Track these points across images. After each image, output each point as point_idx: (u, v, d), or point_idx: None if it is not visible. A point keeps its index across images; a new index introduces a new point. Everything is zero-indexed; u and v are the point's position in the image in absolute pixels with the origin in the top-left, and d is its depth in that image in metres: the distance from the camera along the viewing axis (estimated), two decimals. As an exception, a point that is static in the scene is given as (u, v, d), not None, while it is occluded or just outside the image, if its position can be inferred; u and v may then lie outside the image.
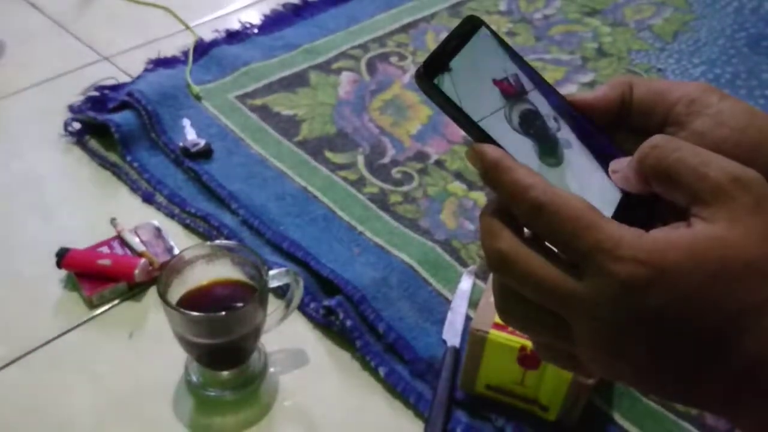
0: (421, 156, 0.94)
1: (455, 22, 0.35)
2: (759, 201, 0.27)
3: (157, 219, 0.84)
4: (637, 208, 0.32)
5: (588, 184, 0.32)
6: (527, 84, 0.34)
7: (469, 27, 0.34)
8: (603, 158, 0.34)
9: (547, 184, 0.30)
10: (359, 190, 0.88)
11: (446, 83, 0.33)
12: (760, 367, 0.26)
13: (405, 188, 0.89)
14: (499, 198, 0.31)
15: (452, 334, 0.70)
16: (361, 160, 0.93)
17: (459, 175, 0.92)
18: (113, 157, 0.92)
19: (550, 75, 1.08)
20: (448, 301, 0.74)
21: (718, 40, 1.15)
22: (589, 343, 0.29)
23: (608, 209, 0.32)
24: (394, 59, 1.12)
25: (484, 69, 0.34)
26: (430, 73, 0.32)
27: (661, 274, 0.26)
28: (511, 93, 0.34)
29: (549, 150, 0.33)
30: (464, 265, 0.78)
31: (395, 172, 0.92)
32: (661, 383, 0.29)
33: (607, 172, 0.33)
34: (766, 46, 1.14)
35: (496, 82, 0.34)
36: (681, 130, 0.33)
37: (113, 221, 0.81)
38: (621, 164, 0.32)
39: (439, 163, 0.93)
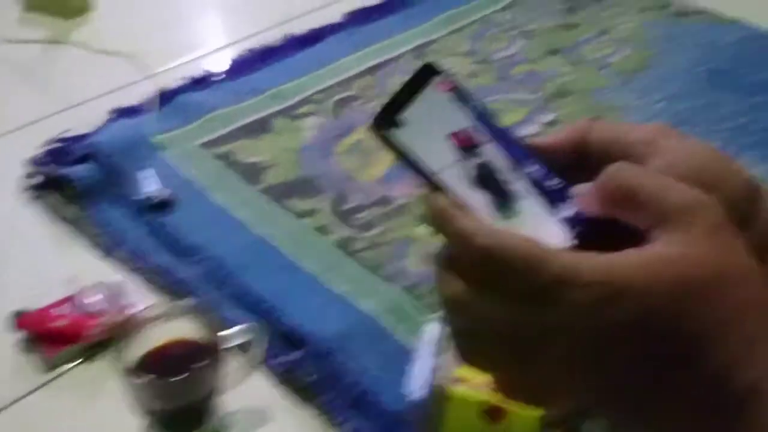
0: (386, 200, 0.94)
1: (419, 64, 0.35)
2: (716, 225, 0.28)
3: (118, 275, 0.82)
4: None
5: (543, 234, 0.32)
6: (484, 134, 0.34)
7: (425, 75, 0.34)
8: (559, 204, 0.33)
9: (494, 229, 0.30)
10: (324, 237, 0.88)
11: (400, 135, 0.32)
12: (729, 378, 0.27)
13: (370, 233, 0.89)
14: (450, 246, 0.32)
15: (416, 387, 0.69)
16: (326, 205, 0.93)
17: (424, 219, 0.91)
18: (74, 211, 0.91)
19: (513, 115, 1.09)
20: (414, 352, 0.73)
21: (677, 75, 1.17)
22: (564, 361, 0.29)
23: None
24: (359, 103, 1.12)
25: (439, 120, 0.33)
26: (383, 126, 0.32)
27: (628, 289, 0.27)
28: (467, 145, 0.33)
29: (504, 203, 0.33)
30: (430, 312, 0.78)
31: (360, 218, 0.91)
32: (633, 401, 0.29)
33: (562, 218, 0.33)
34: (724, 81, 1.16)
35: (452, 134, 0.33)
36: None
37: (72, 279, 0.79)
38: (585, 187, 0.33)
39: (404, 207, 0.93)
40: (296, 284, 0.81)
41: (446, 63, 1.21)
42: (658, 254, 0.28)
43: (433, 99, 0.34)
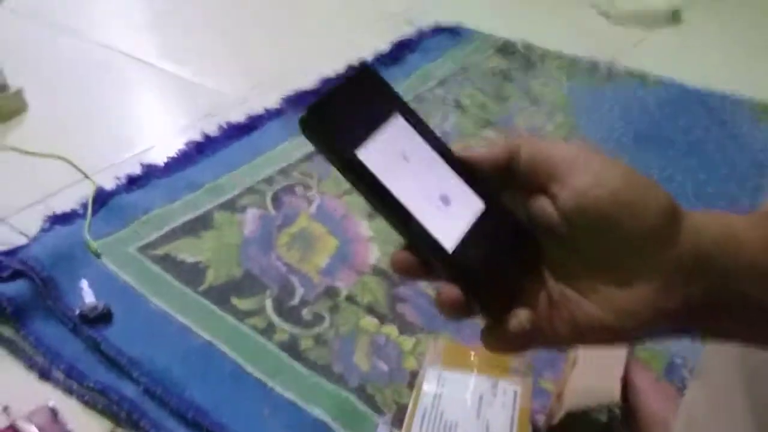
0: (331, 292, 0.93)
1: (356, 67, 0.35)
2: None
3: (55, 396, 0.79)
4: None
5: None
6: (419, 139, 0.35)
7: (361, 77, 0.35)
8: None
9: None
10: (269, 338, 0.86)
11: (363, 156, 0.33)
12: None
13: (316, 330, 0.87)
14: None
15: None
16: (269, 304, 0.91)
17: (371, 309, 0.91)
18: (7, 331, 0.87)
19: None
20: (365, 457, 0.71)
21: (606, 140, 1.21)
22: None
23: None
24: (299, 190, 1.12)
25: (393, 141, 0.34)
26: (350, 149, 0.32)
27: None
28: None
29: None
30: (380, 412, 0.76)
31: (305, 314, 0.90)
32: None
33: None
34: (652, 143, 1.20)
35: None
36: (563, 188, 0.34)
37: (6, 410, 0.76)
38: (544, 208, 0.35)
39: (349, 298, 0.92)
40: (242, 393, 0.78)
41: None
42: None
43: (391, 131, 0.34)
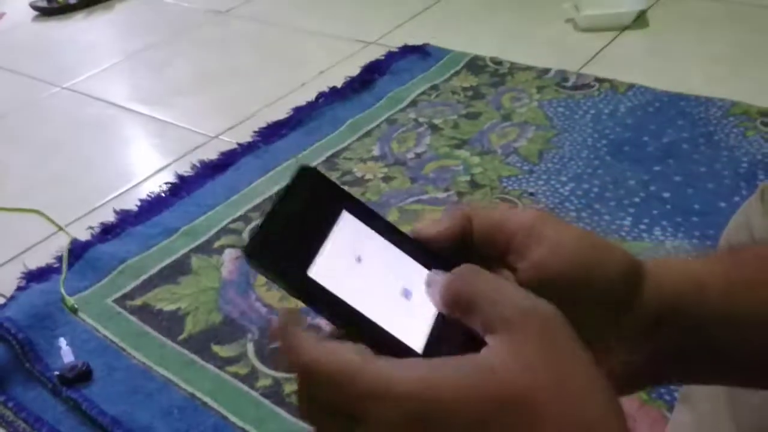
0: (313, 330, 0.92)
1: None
2: (550, 335, 0.28)
3: (38, 464, 0.78)
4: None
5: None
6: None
7: (303, 177, 0.33)
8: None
9: (318, 345, 0.29)
10: (251, 385, 0.85)
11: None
12: None
13: (299, 372, 0.86)
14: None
15: None
16: (250, 348, 0.90)
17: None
18: (-15, 398, 0.86)
19: (431, 215, 1.10)
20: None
21: (581, 152, 1.20)
22: None
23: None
24: (275, 226, 1.11)
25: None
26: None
27: (437, 403, 0.27)
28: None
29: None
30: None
31: (287, 356, 0.89)
32: None
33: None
34: (628, 151, 1.20)
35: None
36: (521, 259, 0.33)
37: (-15, 483, 0.75)
38: (435, 279, 0.33)
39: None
40: (225, 446, 0.77)
41: (358, 170, 1.22)
42: (477, 364, 0.28)
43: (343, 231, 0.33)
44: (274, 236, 0.31)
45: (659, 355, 0.34)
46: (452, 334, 0.32)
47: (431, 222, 0.35)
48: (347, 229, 0.33)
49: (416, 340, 0.32)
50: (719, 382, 0.38)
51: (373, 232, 0.34)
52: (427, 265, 0.34)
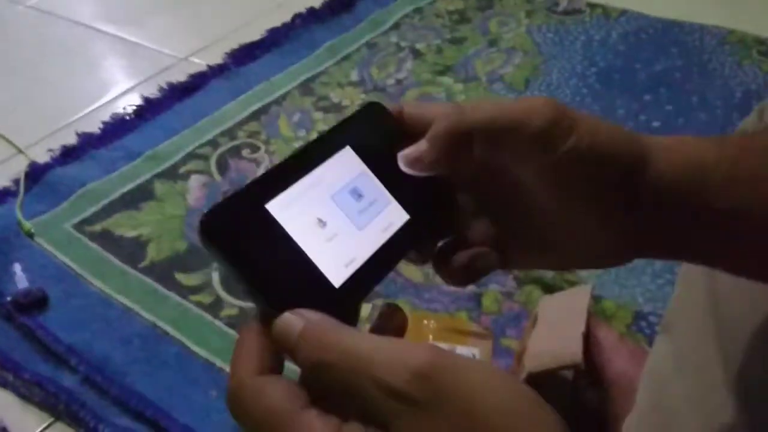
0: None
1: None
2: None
3: (-10, 392, 0.74)
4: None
5: None
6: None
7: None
8: None
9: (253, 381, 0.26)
10: (216, 315, 0.81)
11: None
12: None
13: (266, 302, 0.82)
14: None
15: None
16: (216, 277, 0.86)
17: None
18: (-66, 325, 0.82)
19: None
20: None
21: (570, 80, 1.15)
22: None
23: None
24: (246, 152, 1.06)
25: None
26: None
27: None
28: None
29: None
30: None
31: (255, 285, 0.85)
32: None
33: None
34: (618, 79, 1.14)
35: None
36: (553, 149, 0.31)
37: (-69, 411, 0.71)
38: (415, 146, 0.32)
39: (301, 265, 0.87)
40: (188, 376, 0.74)
41: (335, 95, 1.16)
42: None
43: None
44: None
45: (659, 227, 0.33)
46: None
47: (414, 148, 0.33)
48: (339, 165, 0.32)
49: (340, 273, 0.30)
50: (713, 264, 0.36)
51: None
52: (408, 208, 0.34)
